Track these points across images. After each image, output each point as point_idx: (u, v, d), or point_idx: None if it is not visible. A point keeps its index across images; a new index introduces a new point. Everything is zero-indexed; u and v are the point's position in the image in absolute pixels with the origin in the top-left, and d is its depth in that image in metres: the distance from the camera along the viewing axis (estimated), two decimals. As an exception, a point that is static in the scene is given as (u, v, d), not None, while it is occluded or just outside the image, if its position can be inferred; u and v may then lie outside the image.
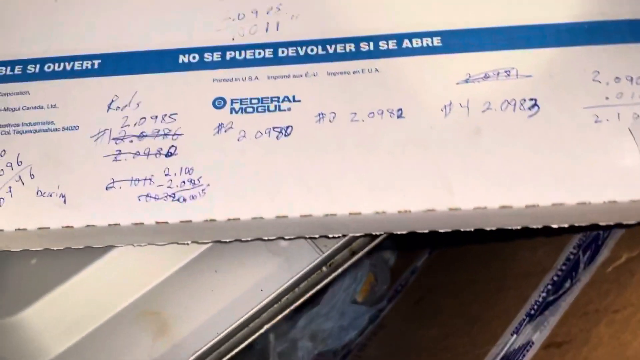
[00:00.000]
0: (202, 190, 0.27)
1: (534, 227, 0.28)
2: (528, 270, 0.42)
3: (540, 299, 0.37)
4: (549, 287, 0.38)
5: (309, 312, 0.68)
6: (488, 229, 0.28)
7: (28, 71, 0.30)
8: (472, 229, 0.28)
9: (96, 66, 0.29)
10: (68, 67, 0.30)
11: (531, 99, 0.27)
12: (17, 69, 0.30)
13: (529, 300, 0.38)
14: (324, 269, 0.32)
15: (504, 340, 0.37)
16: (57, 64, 0.30)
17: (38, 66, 0.30)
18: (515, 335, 0.37)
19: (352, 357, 0.69)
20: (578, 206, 0.25)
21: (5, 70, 0.30)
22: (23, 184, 0.27)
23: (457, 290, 0.55)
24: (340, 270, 0.32)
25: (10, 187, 0.27)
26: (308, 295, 0.31)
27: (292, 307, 0.31)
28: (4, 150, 0.28)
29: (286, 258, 0.31)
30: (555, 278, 0.38)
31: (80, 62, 0.30)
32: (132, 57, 0.29)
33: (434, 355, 0.49)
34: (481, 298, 0.48)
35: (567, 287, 0.36)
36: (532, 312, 0.37)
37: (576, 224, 0.28)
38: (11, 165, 0.28)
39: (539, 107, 0.27)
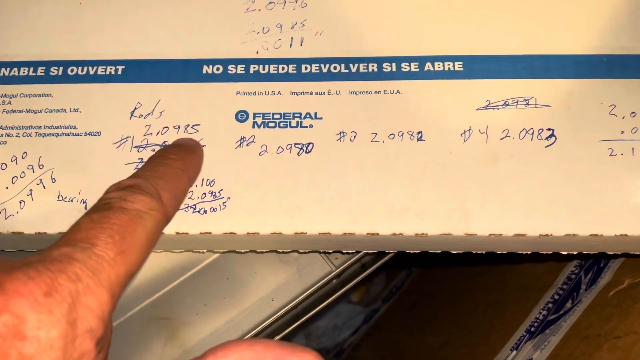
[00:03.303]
0: (223, 203, 0.27)
1: (544, 252, 0.28)
2: (528, 285, 0.43)
3: (541, 317, 0.38)
4: (550, 305, 0.38)
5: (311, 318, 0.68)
6: (499, 252, 0.29)
7: (51, 73, 0.30)
8: (484, 252, 0.29)
9: (120, 72, 0.30)
10: (91, 72, 0.30)
11: (549, 129, 0.27)
12: (40, 70, 0.30)
13: (529, 317, 0.39)
14: (335, 281, 0.33)
15: (503, 355, 0.38)
16: (80, 68, 0.30)
17: (61, 69, 0.30)
18: (514, 352, 0.37)
19: (346, 356, 0.70)
20: (590, 237, 0.26)
21: (28, 71, 0.30)
22: (44, 187, 0.28)
23: (454, 298, 0.56)
24: (351, 284, 0.33)
25: (31, 190, 0.28)
26: (318, 308, 0.32)
27: (303, 319, 0.31)
28: (25, 153, 0.28)
29: (298, 270, 0.32)
30: (557, 296, 0.38)
31: (104, 67, 0.30)
32: (156, 65, 0.30)
33: (432, 364, 0.49)
34: (480, 309, 0.48)
35: (568, 307, 0.36)
36: (532, 329, 0.38)
37: (585, 252, 0.28)
38: (32, 168, 0.28)
39: (556, 138, 0.27)
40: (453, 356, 0.46)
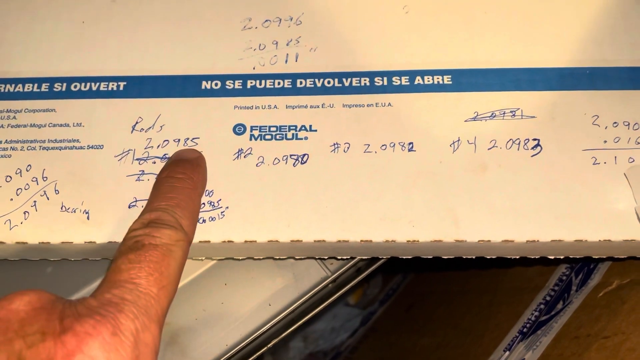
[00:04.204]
0: (222, 212, 0.28)
1: (532, 257, 0.30)
2: (520, 286, 0.44)
3: (533, 318, 0.39)
4: (542, 306, 0.39)
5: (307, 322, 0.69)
6: (489, 257, 0.30)
7: (55, 89, 0.31)
8: (474, 257, 0.30)
9: (121, 88, 0.31)
10: (94, 88, 0.31)
11: (534, 139, 0.29)
12: (44, 87, 0.31)
13: (521, 318, 0.40)
14: (330, 286, 0.34)
15: (496, 356, 0.39)
16: (83, 84, 0.31)
17: (65, 85, 0.31)
18: (507, 352, 0.38)
19: (343, 358, 0.71)
20: (575, 243, 0.27)
21: (33, 87, 0.31)
22: (48, 198, 0.29)
23: (448, 300, 0.56)
24: (346, 288, 0.34)
25: (35, 202, 0.29)
26: (314, 312, 0.33)
27: (299, 323, 0.32)
28: (29, 165, 0.29)
29: (295, 275, 0.33)
30: (548, 298, 0.39)
31: (106, 83, 0.31)
32: (156, 80, 0.31)
33: (427, 365, 0.50)
34: (474, 310, 0.49)
35: (559, 308, 0.37)
36: (525, 330, 0.39)
37: (571, 256, 0.29)
38: (37, 180, 0.29)
39: (541, 147, 0.28)
40: (447, 357, 0.47)
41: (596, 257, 0.29)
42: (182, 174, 0.26)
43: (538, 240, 0.27)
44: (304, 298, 0.31)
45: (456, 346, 0.47)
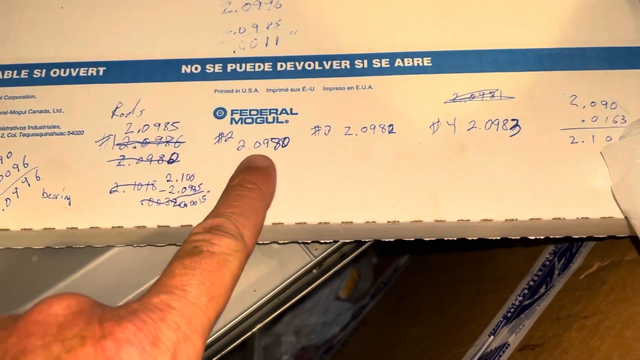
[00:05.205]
0: (203, 196, 0.28)
1: (513, 237, 0.30)
2: (506, 273, 0.44)
3: (517, 302, 0.39)
4: (525, 291, 0.39)
5: (294, 307, 0.69)
6: (470, 238, 0.30)
7: (34, 76, 0.31)
8: (455, 238, 0.30)
9: (101, 73, 0.31)
10: (74, 73, 0.31)
11: (513, 119, 0.29)
12: (24, 73, 0.31)
13: (506, 303, 0.40)
14: (315, 271, 0.34)
15: (481, 341, 0.39)
16: (63, 70, 0.31)
17: (44, 71, 0.31)
18: (492, 337, 0.39)
19: (335, 352, 0.71)
20: (554, 221, 0.27)
21: (12, 73, 0.31)
22: (29, 185, 0.29)
23: (438, 290, 0.57)
24: (330, 272, 0.34)
25: (16, 188, 0.29)
26: (299, 296, 0.33)
27: (283, 308, 0.32)
28: (10, 152, 0.29)
29: (279, 261, 0.33)
30: (532, 283, 0.39)
31: (86, 68, 0.31)
32: (136, 65, 0.31)
33: (415, 354, 0.51)
34: (461, 299, 0.49)
35: (542, 292, 0.38)
36: (509, 314, 0.39)
37: (551, 236, 0.30)
38: (17, 167, 0.29)
39: (520, 128, 0.29)
40: (436, 345, 0.47)
41: (576, 236, 0.30)
42: (252, 184, 0.25)
43: (517, 219, 0.27)
44: (288, 282, 0.32)
45: (444, 334, 0.47)
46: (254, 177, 0.26)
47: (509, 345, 0.36)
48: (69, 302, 0.18)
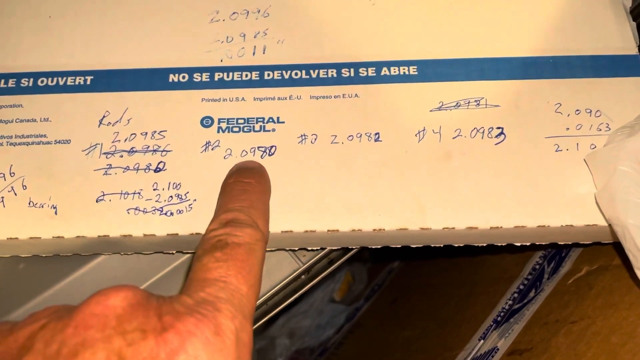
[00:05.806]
0: (189, 205, 0.28)
1: (499, 244, 0.30)
2: (497, 277, 0.44)
3: (507, 307, 0.39)
4: (515, 295, 0.40)
5: (287, 310, 0.69)
6: (456, 245, 0.30)
7: (22, 85, 0.31)
8: (441, 245, 0.30)
9: (88, 82, 0.31)
10: (61, 82, 0.31)
11: (498, 127, 0.29)
12: (11, 82, 0.31)
13: (496, 307, 0.40)
14: (304, 277, 0.34)
15: (471, 345, 0.39)
16: (50, 79, 0.31)
17: (32, 80, 0.31)
18: (482, 341, 0.39)
19: (329, 354, 0.71)
20: (538, 229, 0.27)
21: (0, 82, 0.31)
22: (15, 194, 0.29)
23: (430, 292, 0.57)
24: (318, 278, 0.34)
25: (2, 197, 0.29)
26: (287, 302, 0.33)
27: (271, 314, 0.32)
28: (-3, 161, 0.29)
29: (267, 268, 0.33)
30: (522, 287, 0.40)
31: (73, 77, 0.31)
32: (123, 74, 0.31)
33: (407, 356, 0.51)
34: (453, 301, 0.50)
35: (531, 296, 0.38)
36: (499, 318, 0.39)
37: (537, 243, 0.30)
38: (4, 176, 0.29)
39: (505, 136, 0.29)
40: (427, 348, 0.47)
41: (562, 242, 0.30)
42: (250, 179, 0.26)
43: (501, 227, 0.27)
44: (276, 289, 0.32)
45: (435, 337, 0.48)
46: (249, 174, 0.26)
47: (498, 349, 0.36)
48: (125, 293, 0.18)
